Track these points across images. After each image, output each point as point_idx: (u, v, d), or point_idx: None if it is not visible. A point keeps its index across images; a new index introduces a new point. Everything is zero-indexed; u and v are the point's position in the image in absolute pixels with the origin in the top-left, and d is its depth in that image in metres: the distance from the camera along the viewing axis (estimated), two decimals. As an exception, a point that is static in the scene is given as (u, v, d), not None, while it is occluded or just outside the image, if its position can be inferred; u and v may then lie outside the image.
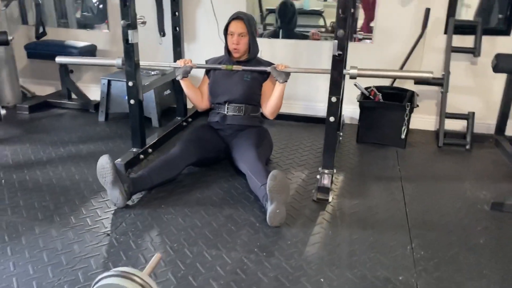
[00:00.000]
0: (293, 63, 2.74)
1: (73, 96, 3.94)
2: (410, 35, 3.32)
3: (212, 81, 2.79)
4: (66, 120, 3.59)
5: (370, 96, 3.27)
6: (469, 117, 3.15)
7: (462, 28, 3.19)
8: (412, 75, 2.59)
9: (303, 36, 3.69)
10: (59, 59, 2.84)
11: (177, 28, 3.22)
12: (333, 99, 2.38)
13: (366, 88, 3.30)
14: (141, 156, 2.77)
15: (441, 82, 3.15)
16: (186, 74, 2.69)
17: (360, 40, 3.50)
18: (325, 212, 2.25)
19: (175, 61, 3.25)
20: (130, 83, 2.66)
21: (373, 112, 3.12)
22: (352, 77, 2.51)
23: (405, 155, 2.99)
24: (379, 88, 3.29)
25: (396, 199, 2.39)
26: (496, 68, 2.61)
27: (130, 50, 2.59)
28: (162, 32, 3.56)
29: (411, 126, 3.40)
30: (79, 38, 4.00)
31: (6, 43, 3.19)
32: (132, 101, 2.70)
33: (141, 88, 2.73)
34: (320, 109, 3.52)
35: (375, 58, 3.44)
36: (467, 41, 3.20)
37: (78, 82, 4.03)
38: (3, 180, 2.52)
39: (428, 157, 2.98)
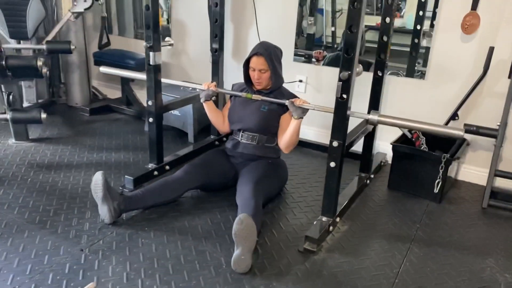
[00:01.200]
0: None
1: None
2: (469, 75, 2.91)
3: (231, 106, 2.76)
4: (117, 126, 3.83)
5: (412, 139, 2.95)
6: (525, 178, 2.67)
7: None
8: (440, 131, 2.26)
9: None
10: (103, 69, 3.04)
11: (216, 50, 3.23)
12: (335, 143, 2.20)
13: (410, 130, 2.98)
14: (155, 172, 2.83)
15: (495, 134, 2.71)
16: (208, 97, 2.71)
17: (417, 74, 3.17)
18: (304, 265, 2.08)
19: (212, 80, 3.30)
20: (150, 102, 2.74)
21: (406, 159, 2.80)
22: (372, 123, 2.32)
23: (435, 211, 2.64)
24: (426, 131, 2.95)
25: (391, 264, 2.11)
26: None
27: (151, 71, 2.67)
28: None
29: (460, 177, 3.03)
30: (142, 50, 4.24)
31: (69, 51, 3.51)
32: (150, 119, 2.78)
33: (162, 109, 2.80)
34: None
35: (425, 98, 3.09)
36: (536, 89, 2.72)
37: (141, 90, 4.28)
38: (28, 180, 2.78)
39: (463, 218, 2.59)
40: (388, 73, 3.19)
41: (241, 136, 2.68)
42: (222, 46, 3.27)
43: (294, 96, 2.58)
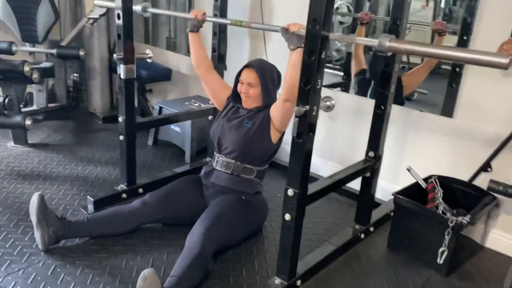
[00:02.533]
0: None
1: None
2: (509, 117, 2.30)
3: (215, 121, 2.43)
4: (123, 137, 3.67)
5: (426, 189, 2.40)
6: None
7: None
8: (477, 58, 1.42)
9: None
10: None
11: (214, 66, 2.92)
12: (290, 192, 1.77)
13: (426, 178, 2.43)
14: (124, 195, 2.59)
15: (530, 198, 2.09)
16: (194, 28, 2.42)
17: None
18: None
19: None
20: (120, 119, 2.51)
21: (409, 215, 2.26)
22: (382, 50, 1.57)
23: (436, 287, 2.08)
24: (446, 181, 2.39)
25: None
26: None
27: (121, 86, 2.43)
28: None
29: (488, 245, 2.44)
30: (166, 59, 4.08)
31: (77, 57, 3.42)
32: (121, 137, 2.54)
33: (134, 126, 2.55)
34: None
35: (451, 141, 2.51)
36: None
37: (155, 98, 4.12)
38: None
39: (471, 303, 2.00)
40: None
41: (217, 161, 2.34)
42: (223, 61, 2.96)
43: None
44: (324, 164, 3.07)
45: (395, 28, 2.07)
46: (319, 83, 1.63)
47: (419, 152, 2.66)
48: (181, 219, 2.36)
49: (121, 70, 2.39)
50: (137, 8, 2.47)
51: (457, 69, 2.50)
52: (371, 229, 2.47)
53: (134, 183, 2.65)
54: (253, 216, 2.32)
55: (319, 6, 1.53)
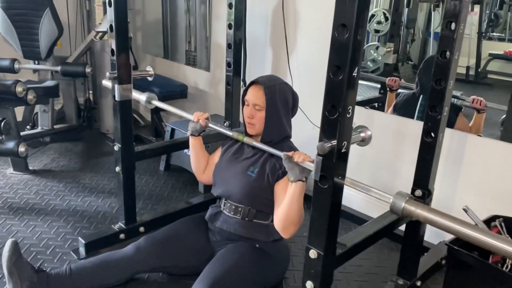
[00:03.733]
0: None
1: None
2: None
3: (218, 164, 2.03)
4: (133, 161, 3.33)
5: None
6: None
7: None
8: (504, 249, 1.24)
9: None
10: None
11: (229, 83, 2.53)
12: (312, 253, 1.35)
13: (488, 220, 1.94)
14: (122, 235, 2.22)
15: None
16: (195, 132, 2.04)
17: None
18: None
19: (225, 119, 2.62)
20: (116, 147, 2.15)
21: (468, 271, 1.77)
22: (395, 212, 1.42)
23: None
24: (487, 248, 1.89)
25: None
26: None
27: (117, 109, 2.07)
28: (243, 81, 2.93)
29: None
30: (184, 74, 3.75)
31: (83, 75, 3.13)
32: (117, 169, 2.18)
33: (133, 155, 2.19)
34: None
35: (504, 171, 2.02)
36: None
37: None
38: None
39: None
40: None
41: (224, 205, 1.95)
42: (238, 75, 2.56)
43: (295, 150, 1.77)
44: (357, 195, 2.60)
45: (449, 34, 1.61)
46: (350, 111, 1.20)
47: (477, 187, 2.17)
48: (184, 269, 1.97)
49: (116, 91, 2.03)
50: (141, 98, 2.16)
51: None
52: (418, 283, 1.98)
53: (135, 221, 2.28)
54: (270, 269, 1.89)
55: (350, 8, 1.10)
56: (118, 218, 2.39)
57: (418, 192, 1.81)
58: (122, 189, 2.19)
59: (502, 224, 1.91)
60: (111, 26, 1.95)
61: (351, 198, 2.59)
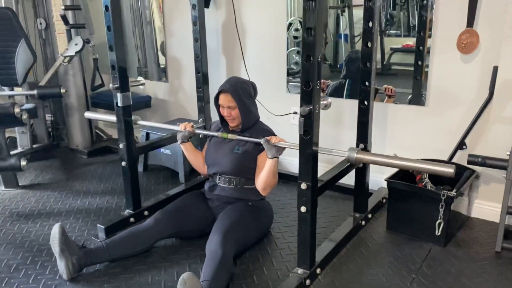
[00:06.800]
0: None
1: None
2: (475, 99, 2.59)
3: (207, 149, 2.57)
4: (111, 168, 3.72)
5: (413, 173, 2.64)
6: (543, 216, 2.28)
7: (544, 93, 2.36)
8: (426, 168, 1.95)
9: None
10: (87, 115, 2.97)
11: (200, 87, 3.08)
12: (303, 185, 1.94)
13: (411, 162, 2.67)
14: (132, 219, 2.67)
15: (505, 165, 2.36)
16: (184, 139, 2.56)
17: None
18: (269, 329, 1.81)
19: (198, 118, 3.15)
20: (121, 145, 2.60)
21: (403, 197, 2.48)
22: (351, 161, 2.06)
23: (438, 257, 2.29)
24: (411, 169, 2.62)
25: (372, 327, 1.80)
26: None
27: (120, 113, 2.54)
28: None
29: (474, 215, 2.67)
30: (143, 88, 4.19)
31: (59, 95, 3.49)
32: (123, 163, 2.63)
33: (135, 151, 2.66)
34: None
35: (428, 126, 2.78)
36: (551, 111, 2.36)
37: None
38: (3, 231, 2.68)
39: (471, 265, 2.22)
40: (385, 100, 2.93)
41: (218, 179, 2.49)
42: (207, 81, 3.12)
43: (270, 134, 2.38)
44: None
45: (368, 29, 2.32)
46: (319, 84, 1.82)
47: (400, 141, 2.91)
48: (193, 232, 2.47)
49: (118, 98, 2.50)
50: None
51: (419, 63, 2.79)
52: (369, 215, 2.67)
53: (140, 207, 2.74)
54: (262, 219, 2.46)
55: (312, 17, 1.73)
56: (119, 209, 2.84)
57: (362, 146, 2.50)
58: (129, 180, 2.65)
59: (421, 163, 2.64)
60: (110, 47, 2.42)
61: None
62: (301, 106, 1.84)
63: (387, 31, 3.05)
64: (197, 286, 1.78)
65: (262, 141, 2.25)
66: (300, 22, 3.24)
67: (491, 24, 2.44)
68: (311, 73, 1.79)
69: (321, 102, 1.96)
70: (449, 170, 1.84)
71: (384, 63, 3.07)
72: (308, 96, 1.81)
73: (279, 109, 3.13)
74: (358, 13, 3.03)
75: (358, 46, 3.01)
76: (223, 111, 2.41)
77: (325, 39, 3.27)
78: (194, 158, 2.64)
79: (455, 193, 2.30)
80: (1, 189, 3.27)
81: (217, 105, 2.44)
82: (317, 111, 1.86)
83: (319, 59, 1.79)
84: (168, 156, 3.43)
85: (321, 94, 1.89)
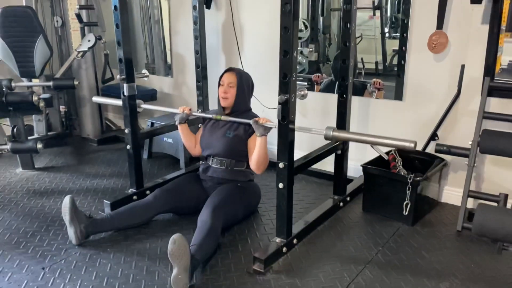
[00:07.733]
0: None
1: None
2: (446, 95, 2.86)
3: (202, 133, 2.87)
4: (119, 154, 4.05)
5: (388, 160, 2.91)
6: (499, 199, 2.54)
7: (504, 90, 2.62)
8: (391, 143, 2.22)
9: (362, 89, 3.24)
10: (95, 99, 3.29)
11: (199, 80, 3.39)
12: (281, 165, 2.24)
13: (387, 152, 2.94)
14: (135, 197, 2.98)
15: (467, 154, 2.62)
16: (182, 120, 2.85)
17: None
18: (246, 286, 2.10)
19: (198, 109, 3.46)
20: (127, 130, 2.92)
21: (376, 180, 2.76)
22: (327, 138, 2.33)
23: (405, 234, 2.57)
24: (404, 152, 2.89)
25: (336, 286, 2.09)
26: None
27: (125, 101, 2.86)
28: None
29: (443, 200, 2.94)
30: (150, 83, 4.51)
31: (72, 87, 3.82)
32: (128, 147, 2.95)
33: (139, 136, 2.97)
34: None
35: (404, 120, 3.05)
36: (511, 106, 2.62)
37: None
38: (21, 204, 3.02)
39: (433, 242, 2.49)
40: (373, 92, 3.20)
41: (211, 161, 2.78)
42: (206, 76, 3.42)
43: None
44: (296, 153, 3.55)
45: (346, 31, 2.60)
46: (295, 76, 2.11)
47: (380, 133, 3.16)
48: (188, 208, 2.77)
49: (124, 88, 2.82)
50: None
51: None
52: (348, 198, 2.95)
53: (142, 186, 3.05)
54: (250, 198, 2.76)
55: (288, 18, 2.02)
56: (123, 189, 3.15)
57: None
58: (133, 161, 2.96)
59: (396, 152, 2.91)
60: (118, 42, 2.74)
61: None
62: (279, 95, 2.13)
63: (391, 33, 3.25)
64: (185, 245, 2.07)
65: (251, 121, 2.54)
66: (304, 23, 3.56)
67: (459, 26, 2.71)
68: (288, 67, 2.08)
69: (299, 93, 2.25)
70: (410, 144, 2.08)
71: (386, 64, 3.28)
72: (285, 87, 2.11)
73: (273, 104, 3.41)
74: (362, 16, 3.25)
75: (358, 46, 3.25)
76: (221, 89, 2.70)
77: (329, 40, 3.53)
78: (188, 139, 2.92)
79: (420, 177, 2.57)
80: (19, 171, 3.61)
81: (219, 84, 2.74)
82: (293, 100, 2.15)
83: (295, 55, 2.08)
84: (170, 144, 3.74)
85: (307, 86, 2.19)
